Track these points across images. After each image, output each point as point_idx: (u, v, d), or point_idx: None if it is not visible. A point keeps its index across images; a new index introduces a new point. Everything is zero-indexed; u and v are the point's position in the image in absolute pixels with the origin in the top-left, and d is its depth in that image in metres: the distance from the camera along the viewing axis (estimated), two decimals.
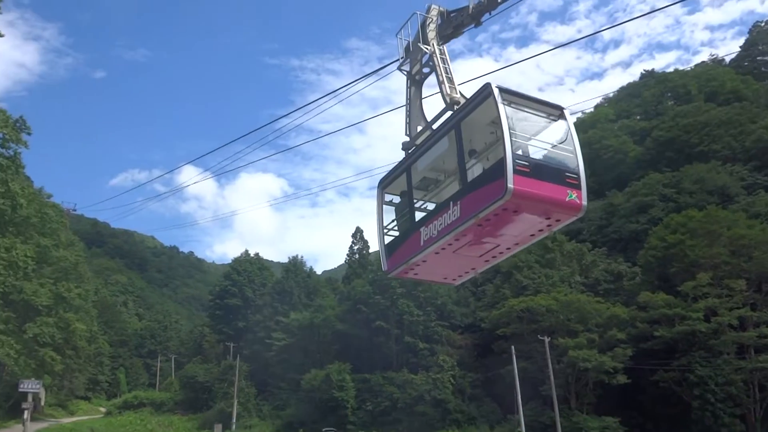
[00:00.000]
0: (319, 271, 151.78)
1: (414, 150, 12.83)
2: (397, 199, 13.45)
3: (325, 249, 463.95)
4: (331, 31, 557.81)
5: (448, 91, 12.10)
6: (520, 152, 10.17)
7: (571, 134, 10.87)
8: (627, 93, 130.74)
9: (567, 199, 10.26)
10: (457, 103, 11.81)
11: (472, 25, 12.83)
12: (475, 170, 11.09)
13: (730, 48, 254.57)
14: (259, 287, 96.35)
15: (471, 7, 12.51)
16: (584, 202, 10.52)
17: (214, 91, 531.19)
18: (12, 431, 50.01)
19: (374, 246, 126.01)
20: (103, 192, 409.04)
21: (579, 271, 71.50)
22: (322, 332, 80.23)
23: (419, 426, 60.49)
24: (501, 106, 10.13)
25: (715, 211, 64.01)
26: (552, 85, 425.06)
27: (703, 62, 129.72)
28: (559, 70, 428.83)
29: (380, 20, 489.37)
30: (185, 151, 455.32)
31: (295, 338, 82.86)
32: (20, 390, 45.10)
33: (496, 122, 10.25)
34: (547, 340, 55.33)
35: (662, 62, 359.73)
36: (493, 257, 12.23)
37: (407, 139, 13.31)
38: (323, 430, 56.69)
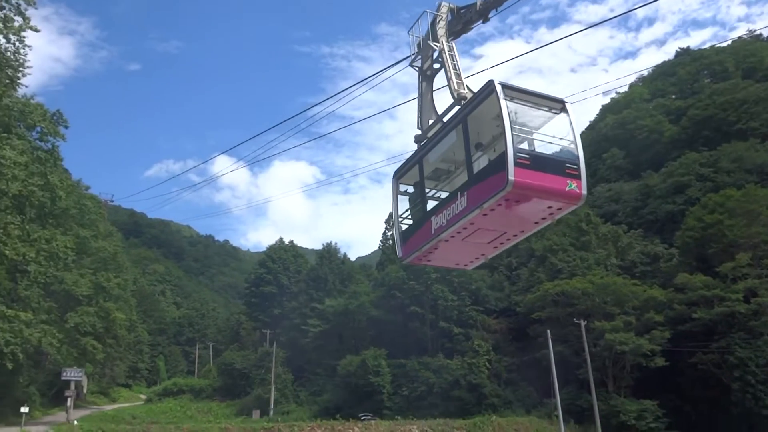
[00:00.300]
0: (353, 258, 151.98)
1: (425, 142, 13.38)
2: (411, 189, 13.96)
3: (358, 235, 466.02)
4: (361, 17, 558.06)
5: (456, 87, 12.50)
6: (522, 145, 10.75)
7: (572, 126, 11.29)
8: (662, 72, 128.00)
9: (567, 188, 10.68)
10: (464, 98, 12.23)
11: (480, 21, 13.33)
12: (481, 162, 11.54)
13: None
14: (293, 274, 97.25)
15: (479, 3, 13.10)
16: (584, 191, 10.87)
17: (246, 81, 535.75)
18: (56, 418, 51.26)
19: None
20: (139, 183, 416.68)
21: (615, 253, 70.60)
22: (357, 318, 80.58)
23: (455, 410, 60.50)
24: (503, 102, 10.57)
25: (754, 190, 62.71)
26: (584, 66, 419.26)
27: (740, 38, 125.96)
28: (592, 50, 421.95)
29: (409, 5, 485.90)
30: (218, 140, 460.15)
31: (331, 324, 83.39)
32: (63, 378, 46.31)
33: (499, 117, 10.64)
34: (583, 323, 54.83)
35: (697, 39, 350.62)
36: (501, 244, 12.64)
37: (419, 132, 13.82)
38: (360, 415, 57.00)
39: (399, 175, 14.00)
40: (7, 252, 35.27)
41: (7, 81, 37.98)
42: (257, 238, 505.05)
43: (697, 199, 70.61)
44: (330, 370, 76.22)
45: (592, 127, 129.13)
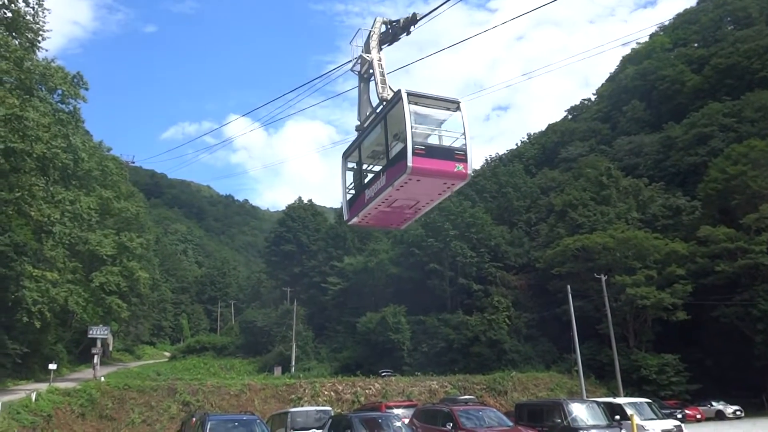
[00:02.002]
0: None
1: (362, 131, 16.63)
2: (355, 166, 17.16)
3: None
4: None
5: (381, 91, 15.64)
6: (421, 138, 13.80)
7: (464, 121, 14.31)
8: (684, 20, 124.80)
9: (455, 170, 13.86)
10: (386, 100, 15.24)
11: (405, 34, 16.59)
12: (396, 149, 14.24)
13: None
14: (313, 233, 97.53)
15: (402, 20, 16.51)
16: (469, 171, 14.06)
17: (261, 40, 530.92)
18: (83, 375, 52.37)
19: None
20: (158, 144, 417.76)
21: (636, 207, 69.97)
22: (376, 276, 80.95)
23: (475, 366, 60.93)
24: (406, 107, 13.62)
25: None
26: (603, 16, 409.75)
27: None
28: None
29: None
30: (237, 100, 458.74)
31: (350, 282, 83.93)
32: (89, 336, 46.90)
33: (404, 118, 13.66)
34: (603, 278, 54.59)
35: None
36: (418, 210, 16.02)
37: (358, 122, 16.96)
38: (380, 371, 57.62)
39: (346, 155, 17.27)
40: (33, 213, 35.66)
41: (28, 44, 37.81)
42: (273, 197, 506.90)
43: (720, 150, 69.40)
44: (350, 327, 76.89)
45: (612, 78, 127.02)
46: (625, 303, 57.86)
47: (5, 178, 33.27)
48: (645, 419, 26.89)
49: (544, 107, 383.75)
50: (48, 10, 37.43)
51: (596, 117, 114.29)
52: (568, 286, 53.72)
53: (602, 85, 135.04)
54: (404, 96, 13.77)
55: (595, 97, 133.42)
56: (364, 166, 16.44)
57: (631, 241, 60.26)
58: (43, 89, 43.88)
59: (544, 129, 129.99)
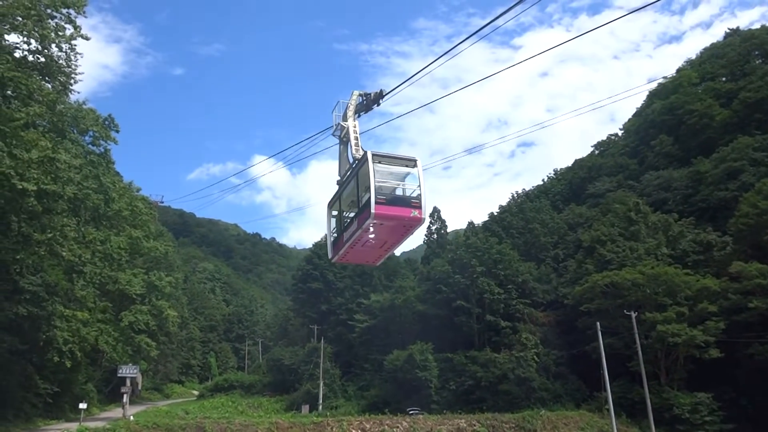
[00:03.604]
0: (397, 253, 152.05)
1: (341, 185, 19.14)
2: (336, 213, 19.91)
3: None
4: (399, 12, 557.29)
5: (354, 152, 18.31)
6: (384, 190, 16.36)
7: (419, 176, 16.93)
8: (711, 54, 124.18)
9: (411, 215, 16.42)
10: (358, 159, 17.79)
11: (376, 105, 19.43)
12: (364, 198, 16.65)
13: None
14: (339, 270, 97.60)
15: (372, 94, 19.45)
16: (423, 215, 16.61)
17: (287, 80, 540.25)
18: (113, 414, 52.76)
19: (451, 226, 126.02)
20: (185, 185, 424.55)
21: (665, 242, 69.00)
22: (402, 313, 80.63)
23: (503, 404, 60.10)
24: (371, 166, 16.24)
25: None
26: (628, 53, 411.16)
27: None
28: (635, 35, 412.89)
29: None
30: (263, 139, 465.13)
31: (377, 320, 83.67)
32: (119, 375, 47.55)
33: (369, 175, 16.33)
34: (634, 315, 53.85)
35: (745, 20, 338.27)
36: (388, 249, 18.82)
37: (339, 177, 19.52)
38: (408, 409, 57.14)
39: (329, 205, 19.97)
40: (64, 253, 36.37)
41: (60, 87, 39.07)
42: (300, 236, 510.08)
43: (751, 185, 68.43)
44: (377, 364, 76.47)
45: (639, 113, 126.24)
46: (656, 340, 56.80)
47: (38, 219, 34.07)
48: None
49: (568, 143, 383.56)
50: (80, 54, 38.72)
51: (623, 152, 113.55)
52: (598, 323, 53.11)
53: (629, 120, 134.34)
54: (369, 157, 16.56)
55: (622, 132, 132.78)
56: (344, 213, 19.08)
57: (662, 278, 59.36)
58: (75, 131, 45.17)
59: (570, 164, 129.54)
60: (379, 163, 16.62)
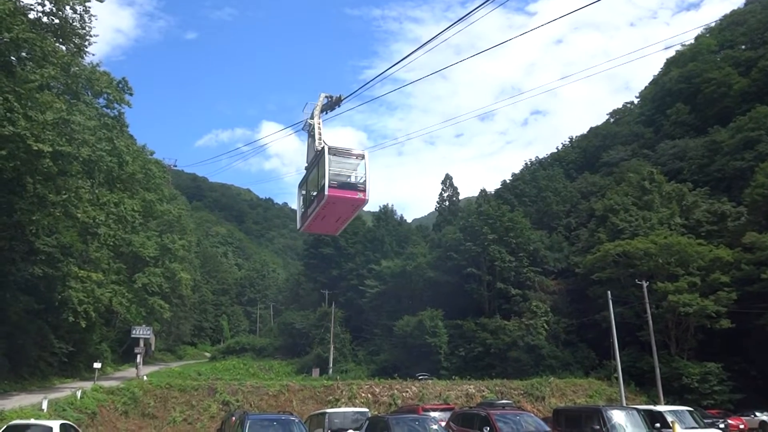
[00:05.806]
0: (409, 219, 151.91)
1: (308, 170, 23.05)
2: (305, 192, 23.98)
3: (413, 197, 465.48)
4: None
5: (317, 146, 21.81)
6: (336, 177, 20.28)
7: (366, 166, 20.89)
8: (731, 21, 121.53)
9: (357, 196, 20.48)
10: (318, 151, 21.36)
11: (337, 106, 23.37)
12: (322, 182, 20.35)
13: None
14: (351, 236, 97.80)
15: (334, 97, 23.23)
16: (367, 197, 20.62)
17: (299, 45, 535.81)
18: (126, 374, 53.57)
19: (464, 193, 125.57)
20: (196, 150, 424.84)
21: (679, 212, 68.46)
22: (413, 279, 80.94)
23: (512, 371, 60.38)
24: (326, 158, 20.19)
25: None
26: (644, 19, 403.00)
27: None
28: (653, 2, 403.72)
29: None
30: (276, 104, 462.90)
31: (388, 285, 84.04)
32: (133, 336, 48.00)
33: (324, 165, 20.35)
34: (645, 284, 53.67)
35: None
36: (343, 221, 22.88)
37: (306, 164, 23.43)
38: (417, 375, 57.56)
39: (299, 186, 24.20)
40: (79, 215, 36.62)
41: (75, 50, 38.90)
42: None
43: (767, 155, 67.65)
44: (387, 330, 77.04)
45: (656, 81, 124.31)
46: (667, 310, 56.73)
47: (53, 180, 34.21)
48: (686, 428, 26.29)
49: (582, 111, 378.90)
50: (94, 15, 38.47)
51: (639, 120, 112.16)
52: (609, 292, 52.97)
53: (645, 88, 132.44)
54: (326, 150, 20.51)
55: (638, 100, 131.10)
56: (310, 193, 22.80)
57: (674, 247, 59.04)
58: (89, 93, 45.11)
59: (585, 132, 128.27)
60: (334, 155, 20.69)
